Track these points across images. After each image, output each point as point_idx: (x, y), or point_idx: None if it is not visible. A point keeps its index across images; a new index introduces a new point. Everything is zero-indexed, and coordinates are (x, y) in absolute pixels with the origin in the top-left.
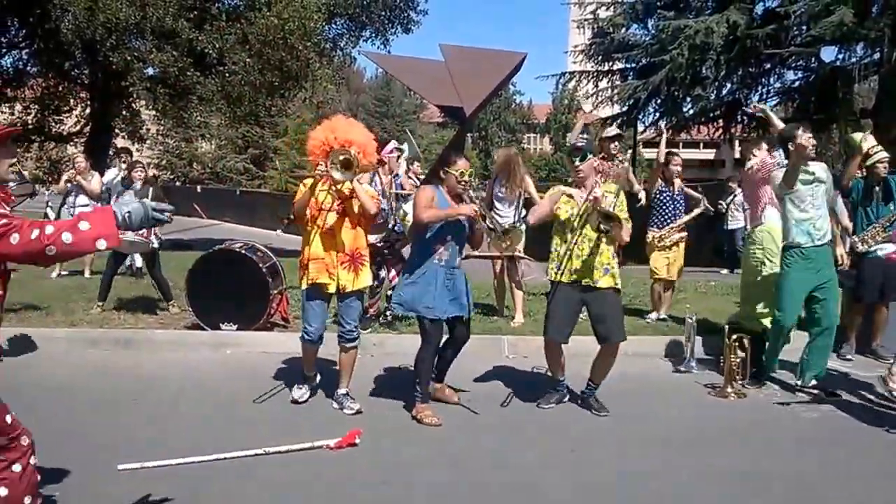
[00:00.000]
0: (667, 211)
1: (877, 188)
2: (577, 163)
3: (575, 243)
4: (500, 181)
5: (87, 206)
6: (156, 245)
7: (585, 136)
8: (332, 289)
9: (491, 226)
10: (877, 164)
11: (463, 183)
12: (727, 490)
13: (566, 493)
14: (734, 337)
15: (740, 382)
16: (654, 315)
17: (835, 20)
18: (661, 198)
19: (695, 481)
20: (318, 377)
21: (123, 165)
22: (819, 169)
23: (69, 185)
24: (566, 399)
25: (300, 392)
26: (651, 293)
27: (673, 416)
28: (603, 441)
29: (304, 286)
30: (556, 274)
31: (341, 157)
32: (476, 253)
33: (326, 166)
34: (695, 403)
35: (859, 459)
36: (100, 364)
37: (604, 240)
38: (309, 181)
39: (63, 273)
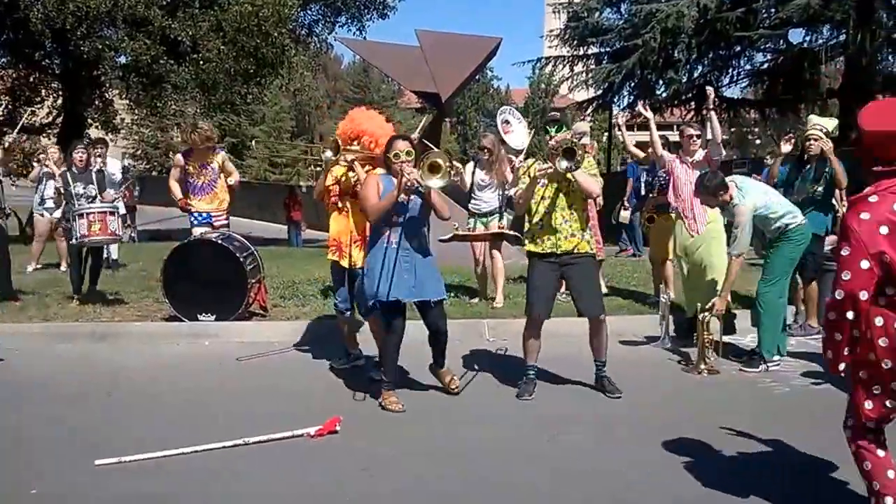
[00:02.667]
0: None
1: (808, 166)
2: (552, 133)
3: (547, 213)
4: (482, 166)
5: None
6: (125, 240)
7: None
8: (345, 263)
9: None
10: (807, 141)
11: (397, 163)
12: (726, 466)
13: (546, 478)
14: (706, 315)
15: (712, 359)
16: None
17: (801, 2)
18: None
19: (680, 460)
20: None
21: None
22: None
23: (42, 173)
24: (535, 386)
25: (339, 360)
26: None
27: (649, 394)
28: (580, 424)
29: (329, 258)
30: (532, 246)
31: (331, 140)
32: (462, 233)
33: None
34: (671, 381)
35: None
36: (76, 358)
37: (575, 207)
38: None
39: (38, 266)
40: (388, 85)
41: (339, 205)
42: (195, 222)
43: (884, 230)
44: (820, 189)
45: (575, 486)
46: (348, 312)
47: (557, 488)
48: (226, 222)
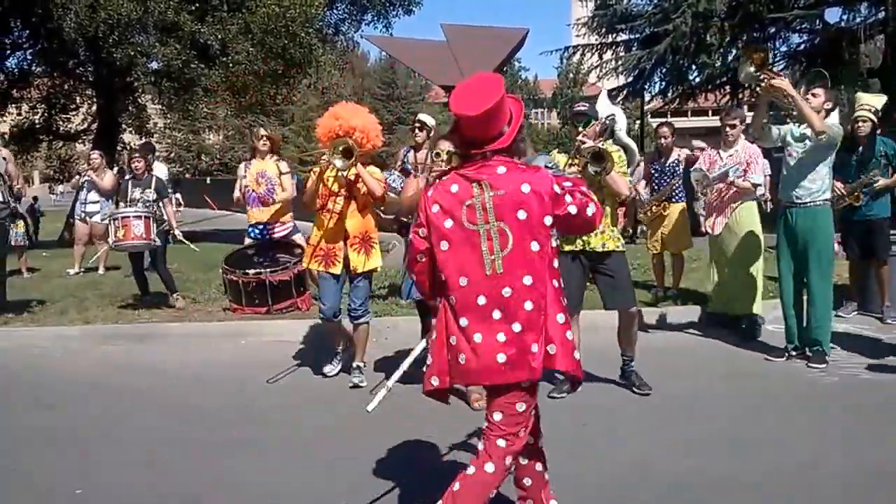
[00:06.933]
0: (655, 184)
1: (860, 148)
2: (580, 128)
3: None
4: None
5: (97, 202)
6: (158, 243)
7: (587, 103)
8: (335, 270)
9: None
10: (857, 122)
11: (437, 161)
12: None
13: (572, 466)
14: None
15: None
16: (657, 290)
17: None
18: (652, 171)
19: (720, 445)
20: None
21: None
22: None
23: (82, 180)
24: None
25: (329, 367)
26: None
27: (693, 386)
28: (616, 414)
29: (306, 265)
30: (563, 245)
31: (341, 147)
32: None
33: (329, 155)
34: (715, 373)
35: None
36: (116, 360)
37: (605, 205)
38: (317, 169)
39: (80, 271)
40: (415, 80)
41: (331, 207)
42: (249, 232)
43: None
44: (878, 173)
45: (603, 475)
46: (336, 318)
47: (584, 473)
48: (286, 231)
